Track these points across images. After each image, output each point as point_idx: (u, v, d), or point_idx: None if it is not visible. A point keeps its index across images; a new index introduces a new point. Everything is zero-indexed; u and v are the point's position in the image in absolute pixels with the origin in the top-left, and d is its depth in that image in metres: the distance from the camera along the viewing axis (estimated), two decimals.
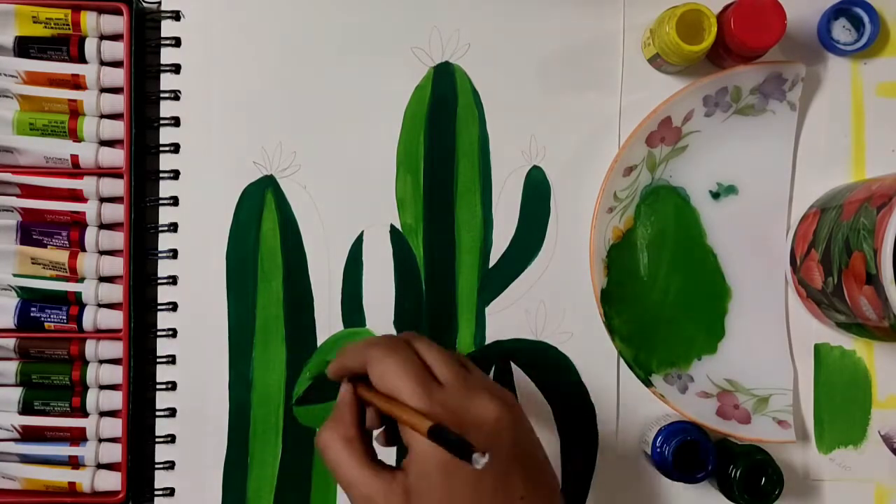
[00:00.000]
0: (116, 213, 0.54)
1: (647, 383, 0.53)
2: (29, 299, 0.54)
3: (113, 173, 0.54)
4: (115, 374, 0.54)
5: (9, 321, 0.53)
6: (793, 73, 0.53)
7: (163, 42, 0.54)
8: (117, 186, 0.54)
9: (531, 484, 0.40)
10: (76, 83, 0.53)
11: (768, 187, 0.55)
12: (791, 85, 0.53)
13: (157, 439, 0.54)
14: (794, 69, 0.53)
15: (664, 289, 0.55)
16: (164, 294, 0.54)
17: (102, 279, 0.54)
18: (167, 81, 0.54)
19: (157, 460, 0.54)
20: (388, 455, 0.48)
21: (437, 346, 0.43)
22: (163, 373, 0.54)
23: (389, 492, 0.38)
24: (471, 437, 0.37)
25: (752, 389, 0.54)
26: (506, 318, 0.55)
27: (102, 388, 0.54)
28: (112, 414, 0.54)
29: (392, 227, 0.55)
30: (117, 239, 0.54)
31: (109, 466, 0.54)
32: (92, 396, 0.53)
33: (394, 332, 0.55)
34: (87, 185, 0.53)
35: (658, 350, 0.54)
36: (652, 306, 0.55)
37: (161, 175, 0.54)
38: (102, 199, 0.54)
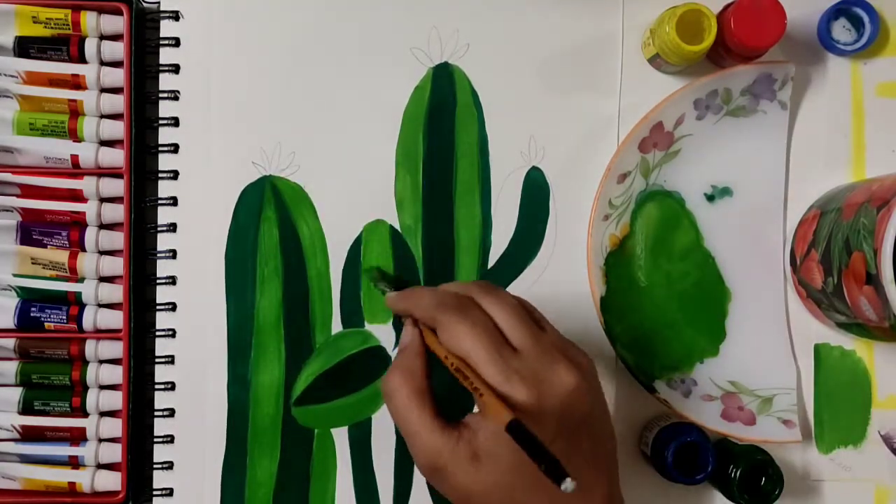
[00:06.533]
0: (116, 213, 0.54)
1: (651, 389, 0.53)
2: (29, 299, 0.54)
3: (113, 173, 0.54)
4: (115, 374, 0.54)
5: (9, 321, 0.53)
6: (782, 73, 0.53)
7: (162, 42, 0.54)
8: (117, 186, 0.54)
9: (595, 444, 0.40)
10: (76, 83, 0.54)
11: (763, 187, 0.55)
12: (781, 84, 0.53)
13: (155, 439, 0.54)
14: (784, 69, 0.53)
15: (663, 294, 0.55)
16: (163, 294, 0.54)
17: (102, 279, 0.54)
18: (166, 81, 0.54)
19: (155, 460, 0.54)
20: None
21: (508, 301, 0.41)
22: (162, 373, 0.54)
23: (455, 450, 0.38)
24: (546, 405, 0.37)
25: (755, 390, 0.54)
26: None
27: (102, 388, 0.54)
28: (112, 414, 0.54)
29: (391, 227, 0.55)
30: (117, 239, 0.54)
31: (109, 466, 0.54)
32: (92, 396, 0.53)
33: (392, 333, 0.54)
34: (87, 185, 0.53)
35: (660, 355, 0.54)
36: (652, 312, 0.55)
37: (160, 175, 0.54)
38: (102, 199, 0.54)
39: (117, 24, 0.53)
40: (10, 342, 0.53)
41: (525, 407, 0.37)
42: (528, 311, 0.42)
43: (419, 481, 0.54)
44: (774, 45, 0.50)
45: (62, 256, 0.53)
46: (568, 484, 0.32)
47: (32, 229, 0.54)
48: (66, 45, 0.53)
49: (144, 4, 0.55)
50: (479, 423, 0.38)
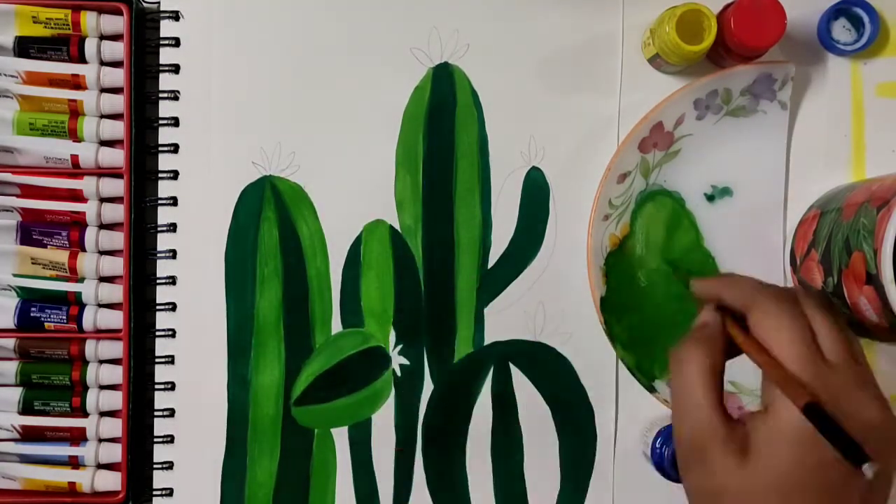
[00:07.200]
0: (116, 213, 0.54)
1: (651, 389, 0.53)
2: (29, 299, 0.54)
3: (113, 173, 0.54)
4: (115, 374, 0.54)
5: (9, 321, 0.53)
6: (782, 73, 0.53)
7: (162, 42, 0.54)
8: (117, 186, 0.54)
9: None
10: (76, 83, 0.54)
11: (763, 187, 0.55)
12: (781, 84, 0.53)
13: (155, 439, 0.54)
14: (784, 69, 0.53)
15: (663, 294, 0.55)
16: (163, 294, 0.54)
17: (102, 279, 0.54)
18: (166, 81, 0.54)
19: (155, 460, 0.54)
20: None
21: (830, 315, 0.38)
22: (161, 373, 0.54)
23: (727, 440, 0.35)
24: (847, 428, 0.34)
25: (755, 390, 0.54)
26: (505, 319, 0.55)
27: (102, 388, 0.54)
28: (112, 414, 0.54)
29: (391, 227, 0.55)
30: (117, 239, 0.54)
31: (109, 466, 0.54)
32: (92, 396, 0.53)
33: (393, 333, 0.54)
34: (87, 185, 0.53)
35: (660, 355, 0.54)
36: (652, 312, 0.54)
37: (160, 175, 0.54)
38: (102, 199, 0.54)
39: (117, 24, 0.53)
40: (10, 342, 0.53)
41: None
42: (850, 337, 0.39)
43: (419, 482, 0.54)
44: (774, 45, 0.50)
45: (62, 256, 0.53)
46: (869, 468, 0.31)
47: (32, 229, 0.54)
48: (66, 45, 0.53)
49: (144, 4, 0.55)
50: (760, 421, 0.36)
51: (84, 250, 0.54)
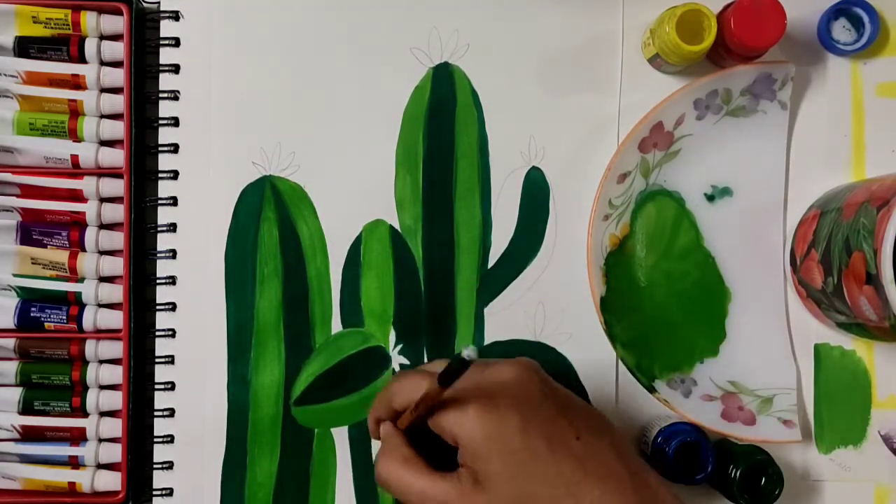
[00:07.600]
0: (116, 213, 0.54)
1: (651, 389, 0.53)
2: (29, 299, 0.54)
3: (113, 173, 0.54)
4: (115, 374, 0.54)
5: (9, 321, 0.53)
6: (782, 73, 0.53)
7: (162, 42, 0.54)
8: (117, 186, 0.54)
9: (582, 424, 0.41)
10: (76, 83, 0.54)
11: (763, 187, 0.55)
12: (781, 84, 0.53)
13: (155, 439, 0.54)
14: (784, 69, 0.53)
15: (663, 294, 0.55)
16: (163, 294, 0.54)
17: (102, 279, 0.54)
18: (166, 81, 0.54)
19: (155, 460, 0.54)
20: None
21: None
22: (161, 373, 0.54)
23: (461, 489, 0.39)
24: (499, 399, 0.39)
25: (755, 390, 0.54)
26: (504, 319, 0.55)
27: (102, 388, 0.54)
28: (112, 414, 0.54)
29: (391, 227, 0.55)
30: (117, 239, 0.54)
31: (109, 466, 0.54)
32: (92, 396, 0.53)
33: (393, 333, 0.55)
34: (87, 185, 0.53)
35: (660, 355, 0.54)
36: (652, 312, 0.55)
37: (160, 175, 0.54)
38: (102, 199, 0.54)
39: (117, 24, 0.53)
40: (10, 342, 0.53)
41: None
42: None
43: None
44: (774, 45, 0.50)
45: (62, 256, 0.53)
46: (469, 351, 0.34)
47: (32, 229, 0.54)
48: (66, 45, 0.53)
49: (144, 4, 0.55)
50: (464, 453, 0.40)
51: (84, 250, 0.54)
